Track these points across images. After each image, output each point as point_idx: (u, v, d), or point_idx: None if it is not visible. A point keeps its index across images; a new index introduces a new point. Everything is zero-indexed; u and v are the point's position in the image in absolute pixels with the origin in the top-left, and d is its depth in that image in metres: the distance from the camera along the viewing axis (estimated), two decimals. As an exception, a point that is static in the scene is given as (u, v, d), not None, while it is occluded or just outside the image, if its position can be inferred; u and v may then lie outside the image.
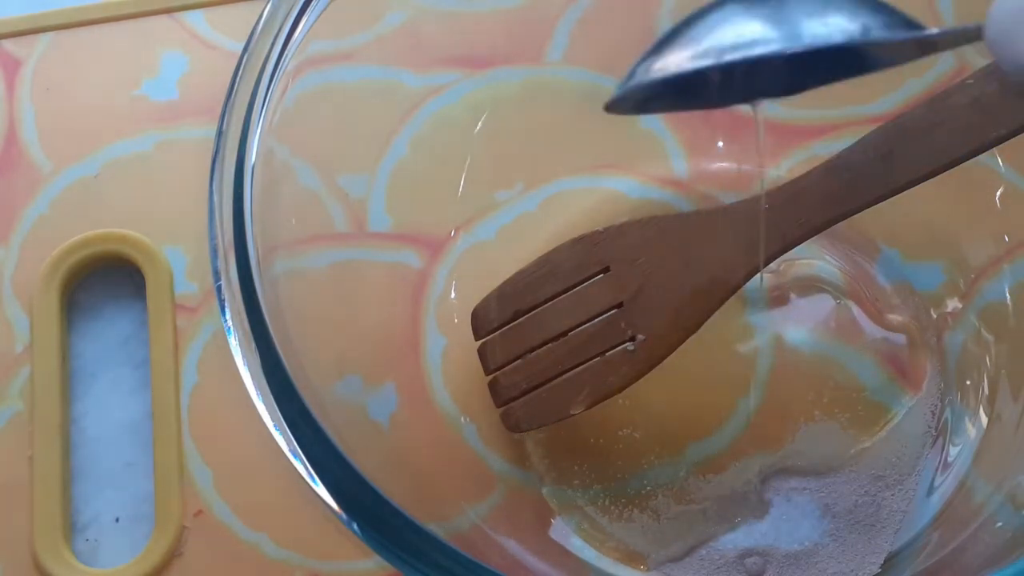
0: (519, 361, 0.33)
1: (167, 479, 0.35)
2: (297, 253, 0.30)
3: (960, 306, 0.35)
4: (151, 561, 0.34)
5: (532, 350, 0.33)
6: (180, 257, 0.38)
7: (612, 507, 0.33)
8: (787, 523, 0.33)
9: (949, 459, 0.33)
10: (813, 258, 0.36)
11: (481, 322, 0.34)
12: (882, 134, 0.30)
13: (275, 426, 0.24)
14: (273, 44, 0.27)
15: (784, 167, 0.37)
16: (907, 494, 0.33)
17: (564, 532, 0.33)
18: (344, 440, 0.24)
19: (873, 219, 0.31)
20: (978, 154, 0.29)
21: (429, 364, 0.34)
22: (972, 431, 0.33)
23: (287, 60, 0.28)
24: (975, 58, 0.31)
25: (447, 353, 0.34)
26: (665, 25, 0.37)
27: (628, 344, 0.32)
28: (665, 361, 0.32)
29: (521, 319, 0.34)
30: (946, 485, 0.33)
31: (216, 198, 0.26)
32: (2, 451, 0.35)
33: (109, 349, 0.37)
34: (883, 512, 0.32)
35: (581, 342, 0.33)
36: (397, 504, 0.23)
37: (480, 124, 0.36)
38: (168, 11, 0.41)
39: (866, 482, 0.33)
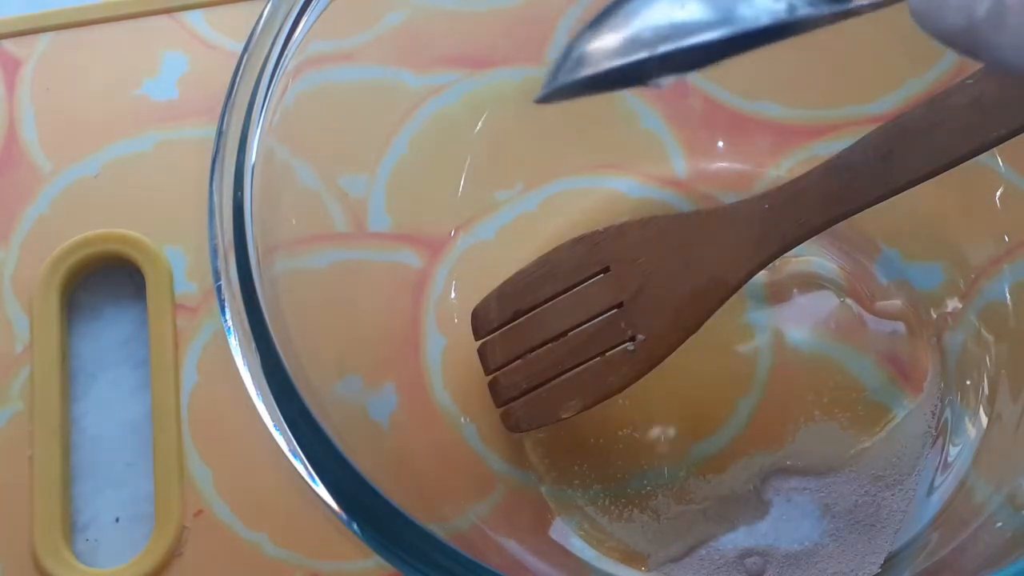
0: (519, 361, 0.33)
1: (167, 479, 0.35)
2: (297, 253, 0.30)
3: (960, 306, 0.35)
4: (151, 561, 0.34)
5: (532, 350, 0.33)
6: (180, 257, 0.38)
7: (612, 507, 0.33)
8: (787, 523, 0.33)
9: (949, 459, 0.33)
10: (810, 255, 0.36)
11: (481, 322, 0.34)
12: (882, 134, 0.30)
13: (275, 426, 0.24)
14: (273, 44, 0.27)
15: (784, 167, 0.37)
16: (907, 494, 0.33)
17: (564, 532, 0.33)
18: (344, 440, 0.24)
19: (873, 219, 0.31)
20: (978, 154, 0.29)
21: (429, 364, 0.34)
22: (972, 431, 0.33)
23: (287, 60, 0.28)
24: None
25: (447, 353, 0.34)
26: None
27: (628, 344, 0.32)
28: (665, 361, 0.32)
29: (521, 319, 0.34)
30: (946, 485, 0.33)
31: (216, 198, 0.26)
32: (2, 451, 0.35)
33: (109, 349, 0.37)
34: (883, 512, 0.32)
35: (581, 342, 0.33)
36: (397, 504, 0.23)
37: (480, 124, 0.36)
38: (168, 11, 0.41)
39: (866, 482, 0.33)
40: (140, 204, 0.38)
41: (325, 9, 0.28)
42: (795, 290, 0.36)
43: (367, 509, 0.23)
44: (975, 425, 0.33)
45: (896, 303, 0.35)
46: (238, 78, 0.27)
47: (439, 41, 0.35)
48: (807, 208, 0.31)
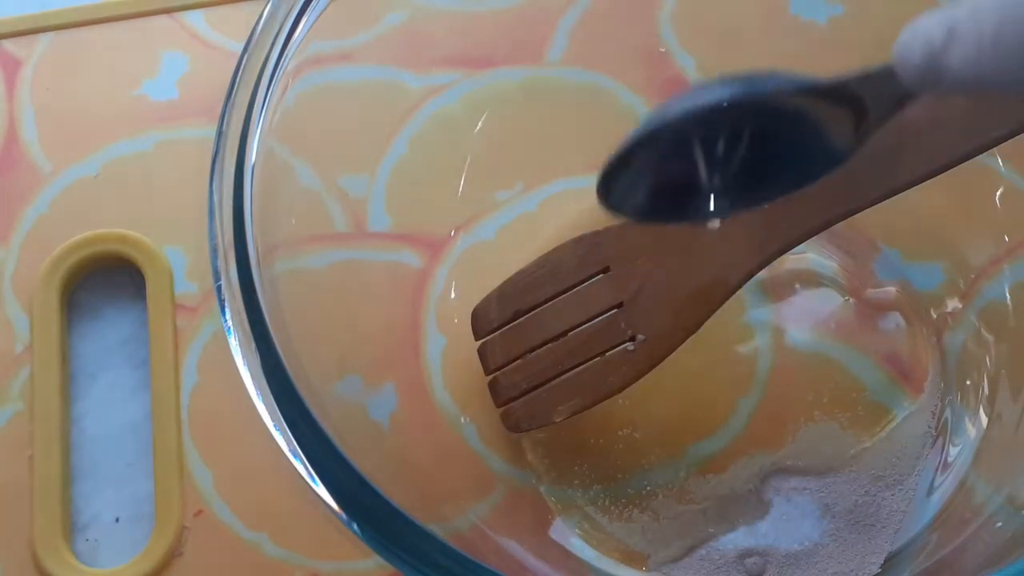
0: (519, 361, 0.33)
1: (167, 479, 0.35)
2: (297, 253, 0.30)
3: (960, 306, 0.35)
4: (151, 561, 0.34)
5: (532, 350, 0.33)
6: (180, 257, 0.38)
7: (612, 507, 0.33)
8: (787, 523, 0.33)
9: (949, 459, 0.33)
10: (810, 254, 0.36)
11: (481, 322, 0.34)
12: (882, 134, 0.30)
13: (275, 426, 0.24)
14: (273, 44, 0.27)
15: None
16: (907, 494, 0.33)
17: (564, 532, 0.33)
18: (344, 440, 0.24)
19: (873, 219, 0.31)
20: (978, 154, 0.29)
21: (429, 364, 0.34)
22: (972, 431, 0.33)
23: (287, 60, 0.28)
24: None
25: (447, 353, 0.34)
26: (666, 25, 0.37)
27: (628, 344, 0.32)
28: (665, 361, 0.32)
29: (521, 319, 0.34)
30: (946, 485, 0.33)
31: (216, 198, 0.26)
32: (2, 451, 0.35)
33: (109, 349, 0.37)
34: (883, 512, 0.32)
35: (581, 342, 0.33)
36: (397, 504, 0.23)
37: (480, 124, 0.36)
38: (168, 11, 0.41)
39: (866, 482, 0.33)
40: (140, 204, 0.38)
41: (325, 9, 0.28)
42: (795, 290, 0.36)
43: (367, 509, 0.23)
44: (975, 425, 0.33)
45: (890, 290, 0.35)
46: (238, 78, 0.27)
47: (439, 41, 0.35)
48: (807, 208, 0.31)
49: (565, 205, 0.37)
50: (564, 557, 0.33)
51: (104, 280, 0.38)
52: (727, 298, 0.32)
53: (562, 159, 0.37)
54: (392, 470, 0.29)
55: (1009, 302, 0.34)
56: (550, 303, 0.33)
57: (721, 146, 0.24)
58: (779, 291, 0.36)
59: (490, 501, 0.33)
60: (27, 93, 0.40)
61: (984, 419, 0.33)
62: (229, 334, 0.25)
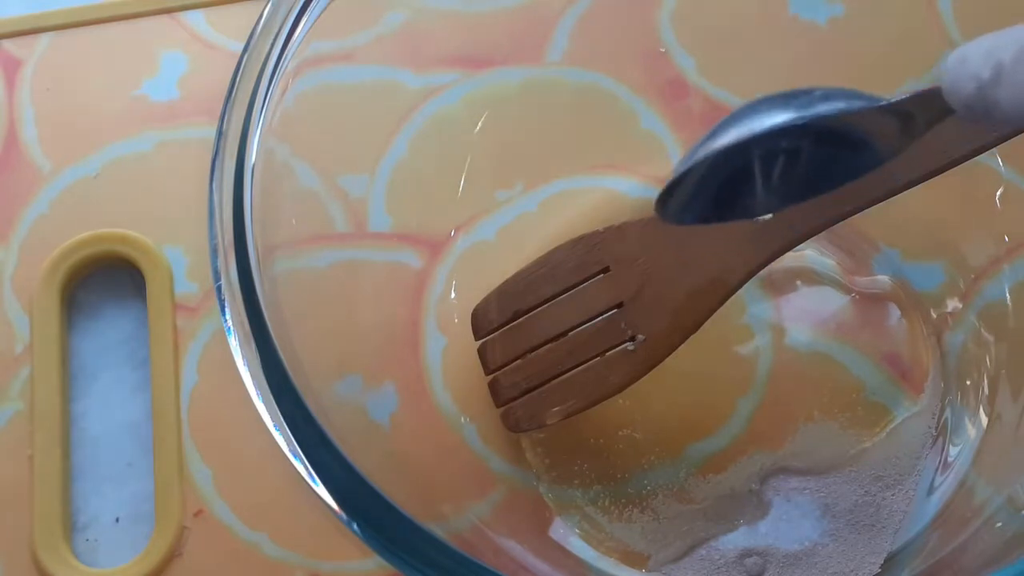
0: (519, 361, 0.33)
1: (167, 479, 0.35)
2: (297, 253, 0.30)
3: (960, 306, 0.35)
4: (151, 561, 0.34)
5: (532, 350, 0.33)
6: (180, 257, 0.38)
7: (612, 507, 0.33)
8: (787, 523, 0.33)
9: (949, 459, 0.33)
10: (810, 254, 0.36)
11: (481, 322, 0.34)
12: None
13: (275, 426, 0.24)
14: (273, 44, 0.27)
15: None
16: (907, 494, 0.33)
17: (564, 532, 0.33)
18: (344, 440, 0.24)
19: (873, 219, 0.31)
20: (978, 154, 0.29)
21: (429, 364, 0.34)
22: (972, 431, 0.33)
23: (287, 60, 0.28)
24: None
25: (447, 353, 0.34)
26: (666, 25, 0.37)
27: (628, 344, 0.32)
28: (665, 361, 0.32)
29: (521, 319, 0.34)
30: (946, 485, 0.33)
31: (216, 198, 0.26)
32: (2, 451, 0.35)
33: (109, 349, 0.37)
34: (883, 512, 0.32)
35: (581, 342, 0.33)
36: (397, 504, 0.23)
37: (480, 124, 0.36)
38: (168, 11, 0.41)
39: (866, 482, 0.33)
40: (140, 204, 0.38)
41: (325, 9, 0.28)
42: (796, 290, 0.36)
43: (367, 509, 0.23)
44: (975, 425, 0.33)
45: (882, 279, 0.35)
46: (238, 78, 0.27)
47: (439, 41, 0.35)
48: (807, 208, 0.31)
49: (565, 205, 0.37)
50: (564, 557, 0.33)
51: (104, 280, 0.38)
52: (727, 298, 0.32)
53: (562, 159, 0.37)
54: (392, 470, 0.29)
55: (1009, 302, 0.34)
56: (550, 303, 0.33)
57: (779, 164, 0.25)
58: (779, 291, 0.36)
59: (490, 501, 0.33)
60: (27, 93, 0.40)
61: (984, 419, 0.33)
62: (229, 334, 0.25)
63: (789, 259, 0.35)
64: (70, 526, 0.35)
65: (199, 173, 0.26)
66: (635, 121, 0.38)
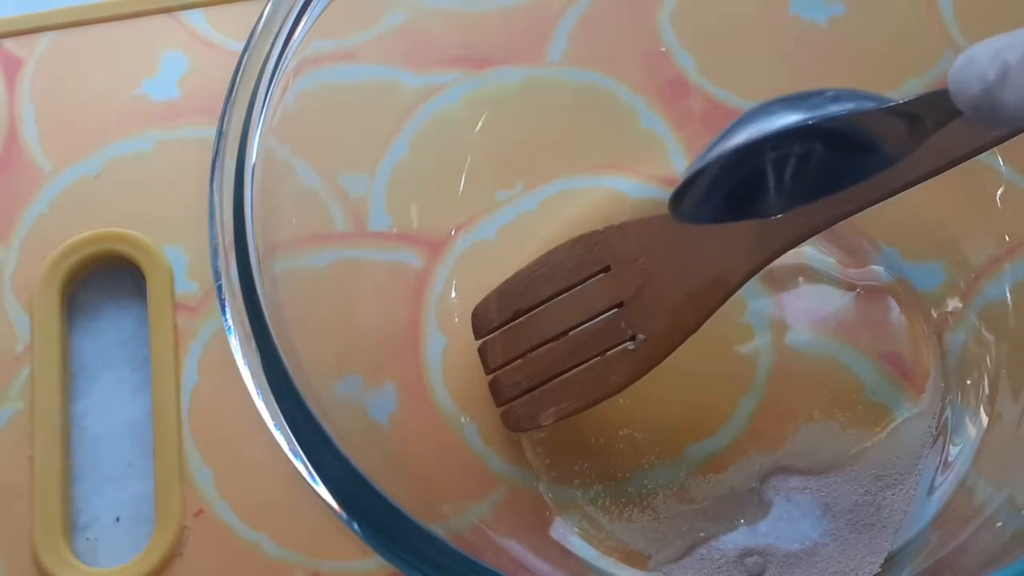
0: (519, 361, 0.33)
1: (167, 479, 0.35)
2: (297, 253, 0.30)
3: (960, 306, 0.35)
4: (151, 561, 0.34)
5: (532, 350, 0.33)
6: (180, 257, 0.38)
7: (612, 507, 0.33)
8: (787, 523, 0.33)
9: (949, 459, 0.33)
10: (811, 254, 0.36)
11: (481, 322, 0.34)
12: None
13: (275, 426, 0.24)
14: (273, 44, 0.27)
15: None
16: (907, 494, 0.33)
17: (564, 532, 0.33)
18: (344, 440, 0.24)
19: (873, 219, 0.31)
20: (978, 154, 0.29)
21: (429, 364, 0.34)
22: (972, 431, 0.33)
23: (287, 60, 0.28)
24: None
25: (447, 353, 0.34)
26: (666, 25, 0.37)
27: (628, 344, 0.32)
28: (665, 361, 0.32)
29: (521, 319, 0.34)
30: (946, 485, 0.33)
31: (216, 198, 0.26)
32: (2, 451, 0.35)
33: (109, 349, 0.37)
34: (883, 512, 0.32)
35: (581, 342, 0.33)
36: (397, 504, 0.23)
37: (480, 124, 0.36)
38: (168, 11, 0.41)
39: (866, 482, 0.33)
40: (140, 204, 0.38)
41: (325, 9, 0.28)
42: (796, 290, 0.36)
43: (367, 509, 0.23)
44: (975, 425, 0.33)
45: (877, 269, 0.35)
46: (238, 78, 0.27)
47: (439, 41, 0.35)
48: (807, 208, 0.31)
49: (565, 205, 0.37)
50: (564, 556, 0.33)
51: (104, 279, 0.38)
52: (727, 298, 0.32)
53: (562, 159, 0.37)
54: (392, 470, 0.29)
55: (1009, 302, 0.34)
56: (550, 302, 0.33)
57: (791, 165, 0.26)
58: (780, 291, 0.36)
59: (490, 501, 0.33)
60: (27, 93, 0.40)
61: (984, 419, 0.33)
62: (229, 334, 0.25)
63: (790, 258, 0.35)
64: (70, 526, 0.35)
65: (199, 173, 0.26)
66: (635, 121, 0.38)
